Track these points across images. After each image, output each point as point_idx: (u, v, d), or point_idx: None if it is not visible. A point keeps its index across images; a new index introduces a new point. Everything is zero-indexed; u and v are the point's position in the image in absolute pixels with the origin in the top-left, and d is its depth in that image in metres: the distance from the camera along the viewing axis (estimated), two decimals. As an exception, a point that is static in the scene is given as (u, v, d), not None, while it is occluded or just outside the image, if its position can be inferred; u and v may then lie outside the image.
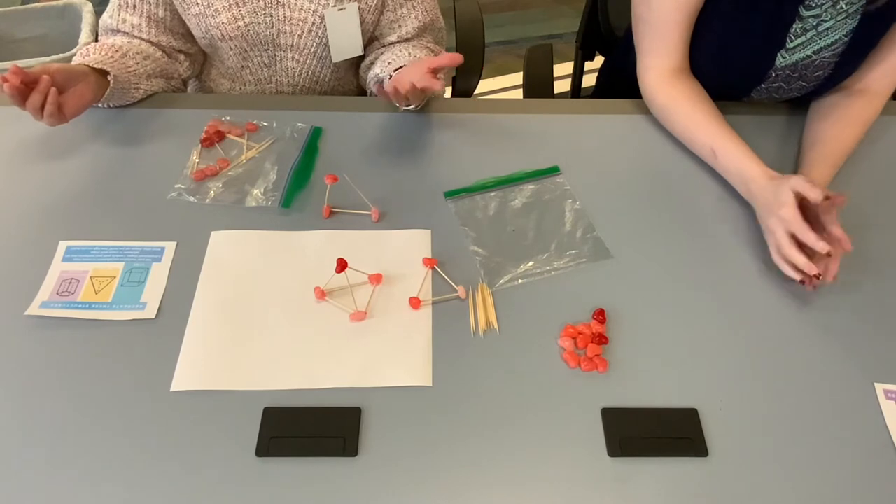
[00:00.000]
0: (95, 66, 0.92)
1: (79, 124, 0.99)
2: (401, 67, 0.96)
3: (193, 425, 0.68)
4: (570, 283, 0.82)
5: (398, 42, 1.07)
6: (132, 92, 1.00)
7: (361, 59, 1.13)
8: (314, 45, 1.05)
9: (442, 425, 0.69)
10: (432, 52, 1.09)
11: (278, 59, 1.07)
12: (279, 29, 1.02)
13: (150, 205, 0.89)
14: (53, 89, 0.83)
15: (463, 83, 1.34)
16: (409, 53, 1.03)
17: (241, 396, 0.71)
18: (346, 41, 1.04)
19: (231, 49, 1.05)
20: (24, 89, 0.81)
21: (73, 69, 0.88)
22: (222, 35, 1.02)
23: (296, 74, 1.10)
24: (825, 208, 0.78)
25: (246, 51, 1.05)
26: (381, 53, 1.09)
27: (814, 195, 0.77)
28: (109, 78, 0.94)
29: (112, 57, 0.96)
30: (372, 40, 1.09)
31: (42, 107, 0.83)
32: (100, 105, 0.98)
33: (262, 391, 0.71)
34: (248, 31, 1.01)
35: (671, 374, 0.74)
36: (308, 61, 1.08)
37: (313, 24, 1.02)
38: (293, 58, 1.07)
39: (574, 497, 0.65)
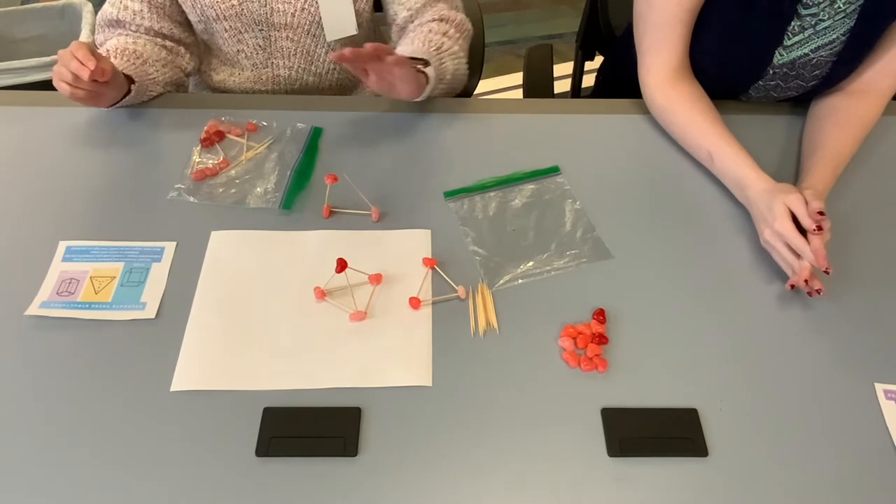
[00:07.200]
0: (123, 71, 0.95)
1: (79, 124, 0.99)
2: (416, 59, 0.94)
3: (193, 425, 0.68)
4: (570, 283, 0.82)
5: (410, 15, 1.06)
6: (143, 97, 1.02)
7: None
8: (307, 22, 1.05)
9: (442, 425, 0.69)
10: (451, 23, 1.04)
11: (273, 38, 1.07)
12: (272, 7, 1.02)
13: (150, 205, 0.89)
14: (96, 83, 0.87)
15: (463, 83, 1.34)
16: (424, 39, 1.00)
17: (241, 396, 0.71)
18: (339, 18, 1.04)
19: (226, 31, 1.05)
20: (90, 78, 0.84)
21: (120, 74, 0.93)
22: (217, 15, 1.02)
23: (291, 55, 1.09)
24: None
25: (241, 32, 1.06)
26: (400, 41, 1.07)
27: (807, 223, 0.77)
28: (133, 87, 0.96)
29: (134, 64, 0.97)
30: (389, 24, 1.08)
31: (77, 90, 0.86)
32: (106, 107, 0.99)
33: (262, 391, 0.71)
34: (242, 9, 1.02)
35: (671, 374, 0.74)
36: (302, 40, 1.08)
37: (305, 0, 1.02)
38: (287, 37, 1.07)
39: (574, 497, 0.65)
